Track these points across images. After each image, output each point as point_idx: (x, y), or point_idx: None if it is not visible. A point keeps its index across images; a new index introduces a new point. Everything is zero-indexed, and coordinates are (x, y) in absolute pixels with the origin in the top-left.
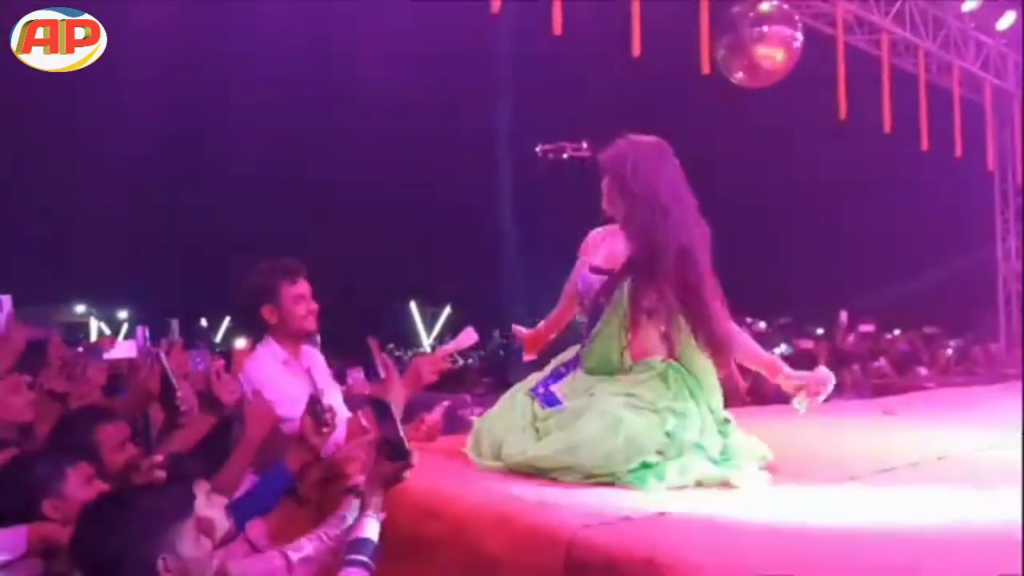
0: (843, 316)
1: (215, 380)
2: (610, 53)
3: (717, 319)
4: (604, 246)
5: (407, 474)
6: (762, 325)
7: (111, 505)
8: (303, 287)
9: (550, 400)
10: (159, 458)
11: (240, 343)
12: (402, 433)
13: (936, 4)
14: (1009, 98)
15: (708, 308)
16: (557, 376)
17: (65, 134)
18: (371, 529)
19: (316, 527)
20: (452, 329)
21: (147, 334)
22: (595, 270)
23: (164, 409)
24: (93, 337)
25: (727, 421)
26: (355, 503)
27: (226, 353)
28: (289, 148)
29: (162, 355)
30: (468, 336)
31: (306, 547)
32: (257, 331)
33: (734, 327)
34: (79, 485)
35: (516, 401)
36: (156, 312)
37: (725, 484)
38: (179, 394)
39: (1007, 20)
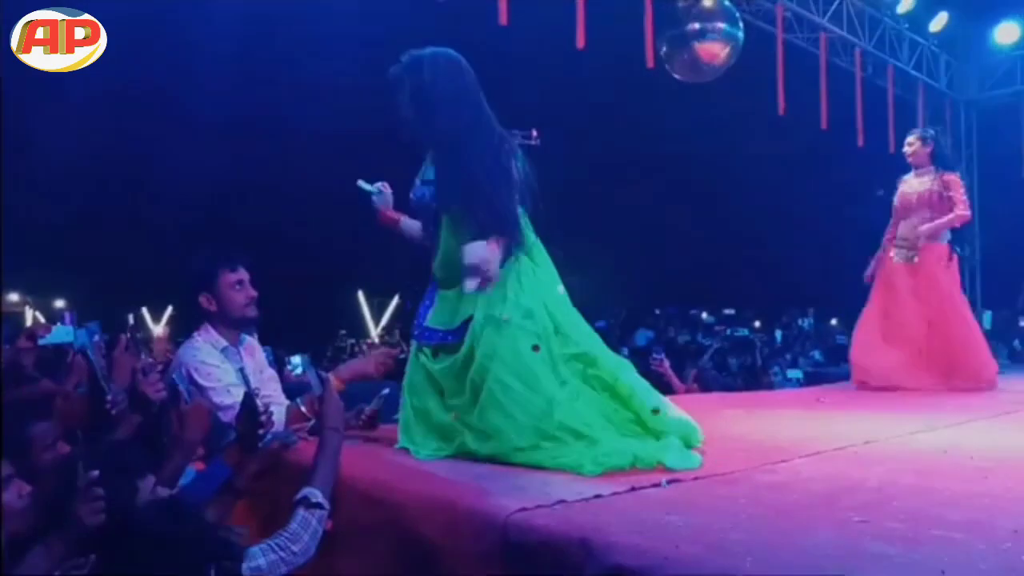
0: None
1: (141, 379)
2: (558, 44)
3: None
4: None
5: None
6: (705, 315)
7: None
8: (242, 274)
9: (429, 336)
10: (95, 473)
11: (158, 330)
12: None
13: (872, 4)
14: (940, 98)
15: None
16: (424, 311)
17: None
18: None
19: (253, 519)
20: (400, 319)
21: (75, 319)
22: (426, 182)
23: (92, 409)
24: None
25: (656, 411)
26: (303, 515)
27: (145, 340)
28: (234, 134)
29: (90, 355)
30: None
31: (258, 558)
32: (197, 320)
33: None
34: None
35: (415, 367)
36: (94, 301)
37: (660, 466)
38: (109, 397)
39: (939, 22)
